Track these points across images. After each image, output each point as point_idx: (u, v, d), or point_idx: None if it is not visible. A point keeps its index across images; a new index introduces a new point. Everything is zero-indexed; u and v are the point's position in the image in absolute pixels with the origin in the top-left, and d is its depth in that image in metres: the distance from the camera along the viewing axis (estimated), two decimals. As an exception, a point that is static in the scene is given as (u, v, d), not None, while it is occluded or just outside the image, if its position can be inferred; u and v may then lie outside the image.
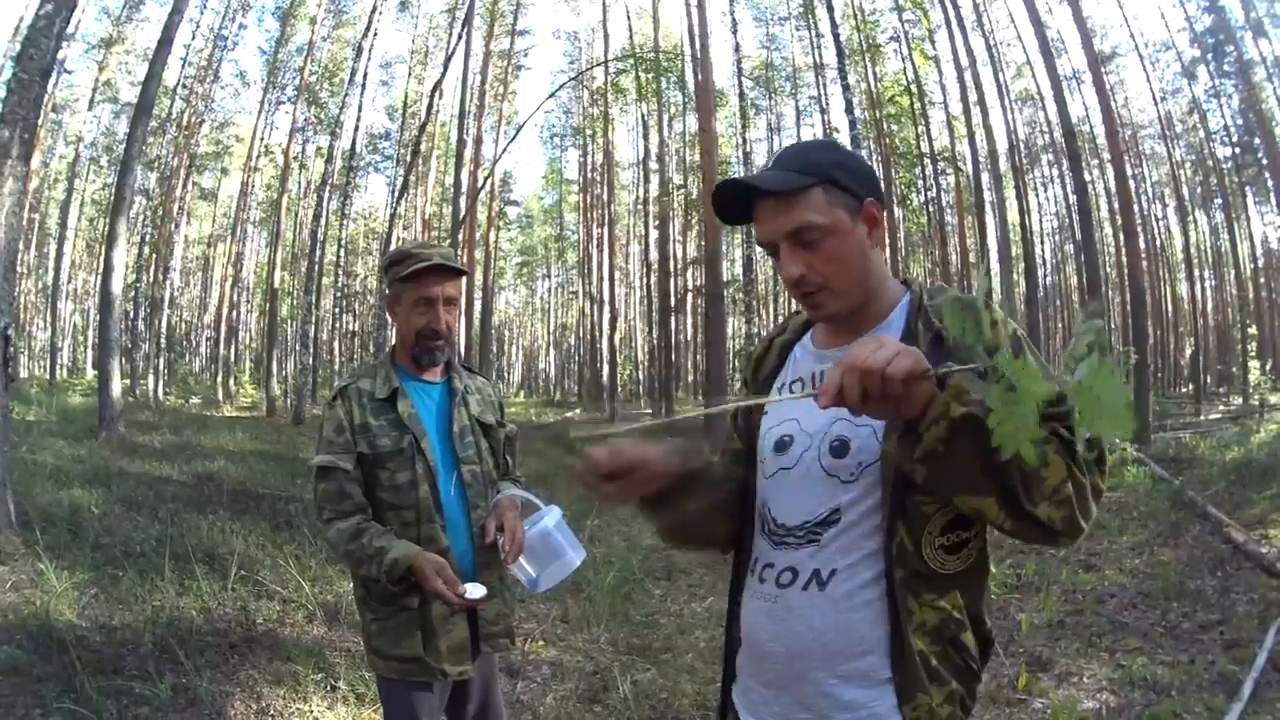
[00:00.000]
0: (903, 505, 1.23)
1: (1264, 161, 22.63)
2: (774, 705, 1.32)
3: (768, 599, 1.33)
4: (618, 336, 31.19)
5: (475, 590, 2.07)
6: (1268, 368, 17.05)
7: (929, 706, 1.22)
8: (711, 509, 1.44)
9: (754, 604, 1.37)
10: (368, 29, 21.90)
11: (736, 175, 1.27)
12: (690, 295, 30.63)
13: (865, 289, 1.32)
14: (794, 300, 1.40)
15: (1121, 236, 16.88)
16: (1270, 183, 22.95)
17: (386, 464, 2.18)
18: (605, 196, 31.17)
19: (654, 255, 29.46)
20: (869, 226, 1.32)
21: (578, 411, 29.05)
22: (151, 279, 25.22)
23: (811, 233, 1.27)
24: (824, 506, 1.30)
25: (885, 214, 1.37)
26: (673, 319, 28.07)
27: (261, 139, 27.93)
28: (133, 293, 20.84)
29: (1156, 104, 26.14)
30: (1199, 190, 28.65)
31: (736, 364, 25.66)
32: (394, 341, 2.38)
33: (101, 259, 14.45)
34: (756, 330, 22.63)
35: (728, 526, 1.48)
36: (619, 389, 29.12)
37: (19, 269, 30.51)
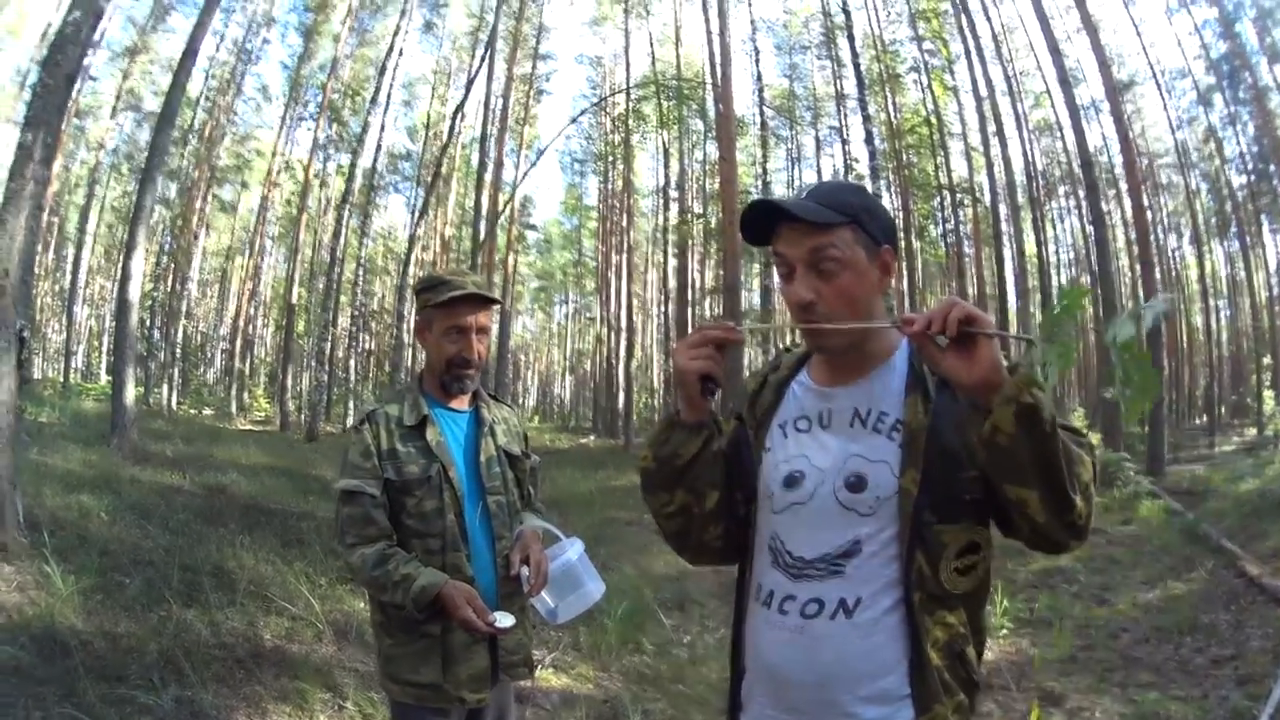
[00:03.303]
0: (921, 535, 1.32)
1: (1279, 189, 22.57)
2: None
3: (791, 630, 1.36)
4: (634, 364, 31.11)
5: (504, 619, 2.07)
6: (1282, 399, 16.90)
7: (943, 717, 1.30)
8: (705, 469, 1.46)
9: (774, 635, 1.40)
10: (391, 48, 22.08)
11: (771, 197, 1.31)
12: (708, 324, 30.54)
13: (863, 330, 1.38)
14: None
15: (1138, 268, 16.80)
16: (1285, 209, 22.92)
17: (414, 491, 2.18)
18: (624, 223, 31.18)
19: (672, 283, 29.50)
20: (881, 271, 1.40)
21: (592, 438, 28.95)
22: (169, 288, 25.40)
23: (831, 263, 1.34)
24: (844, 539, 1.36)
25: (899, 258, 1.47)
26: None
27: (282, 154, 28.16)
28: (149, 301, 20.98)
29: (1173, 132, 26.08)
30: (1214, 219, 28.52)
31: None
32: (423, 367, 2.38)
33: (120, 266, 14.55)
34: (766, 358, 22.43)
35: (714, 508, 1.49)
36: (634, 417, 29.02)
37: (36, 271, 30.86)
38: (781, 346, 1.69)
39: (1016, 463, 1.19)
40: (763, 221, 1.40)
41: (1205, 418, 25.78)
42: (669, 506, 1.51)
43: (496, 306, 2.32)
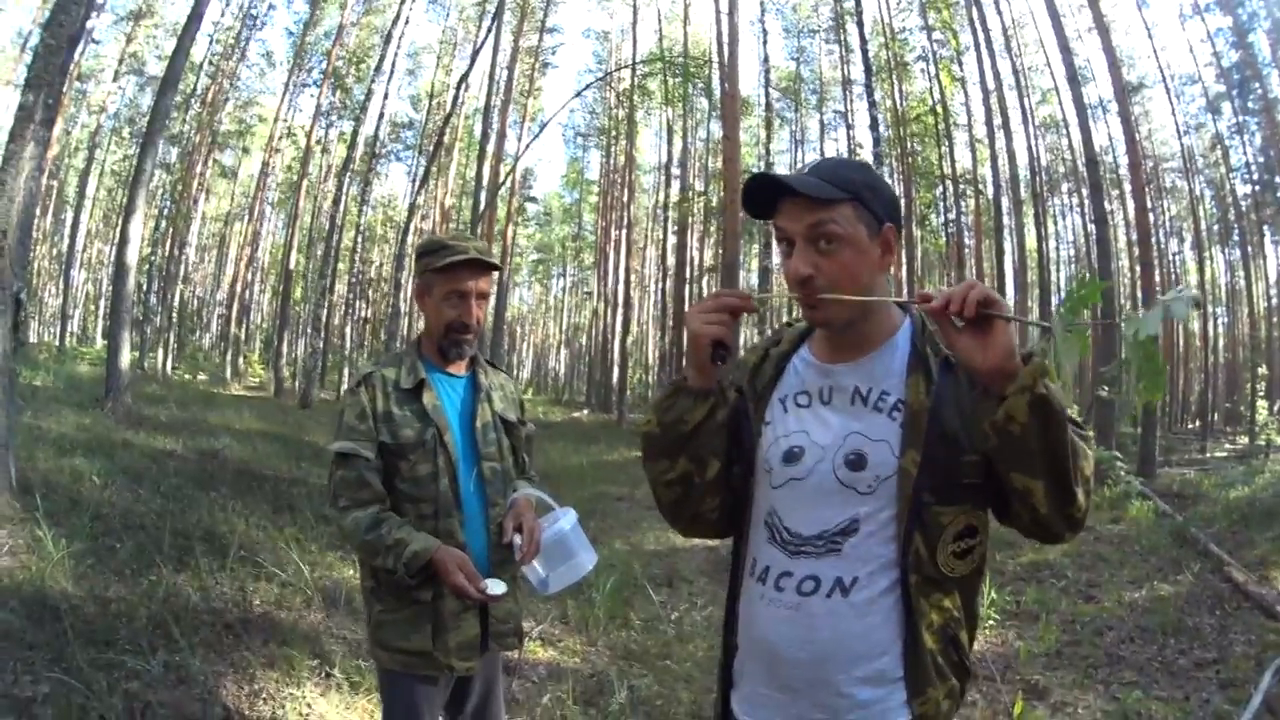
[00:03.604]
0: (920, 515, 1.32)
1: (1283, 200, 22.61)
2: (790, 709, 1.37)
3: (788, 607, 1.36)
4: (630, 340, 31.09)
5: (496, 586, 2.07)
6: (1276, 408, 16.95)
7: (935, 700, 1.32)
8: (710, 437, 1.45)
9: (769, 611, 1.39)
10: (397, 17, 21.92)
11: (775, 173, 1.30)
12: (706, 303, 30.49)
13: (864, 306, 1.37)
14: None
15: (1139, 269, 16.79)
16: (1289, 221, 22.93)
17: (408, 455, 2.16)
18: (625, 199, 31.09)
19: (670, 261, 29.41)
20: (883, 250, 1.38)
21: (586, 412, 28.99)
22: (167, 253, 25.30)
23: (831, 238, 1.33)
24: (843, 517, 1.35)
25: (900, 241, 1.44)
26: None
27: (284, 120, 28.00)
28: (147, 265, 20.91)
29: (1180, 137, 26.06)
30: (1217, 226, 28.52)
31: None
32: (420, 331, 2.36)
33: (118, 229, 14.48)
34: (767, 331, 22.35)
35: (715, 478, 1.48)
36: (628, 392, 29.03)
37: (35, 234, 30.73)
38: (784, 321, 1.68)
39: (1027, 452, 1.20)
40: (764, 195, 1.39)
41: (1198, 423, 25.85)
42: (669, 474, 1.49)
43: (496, 273, 2.30)
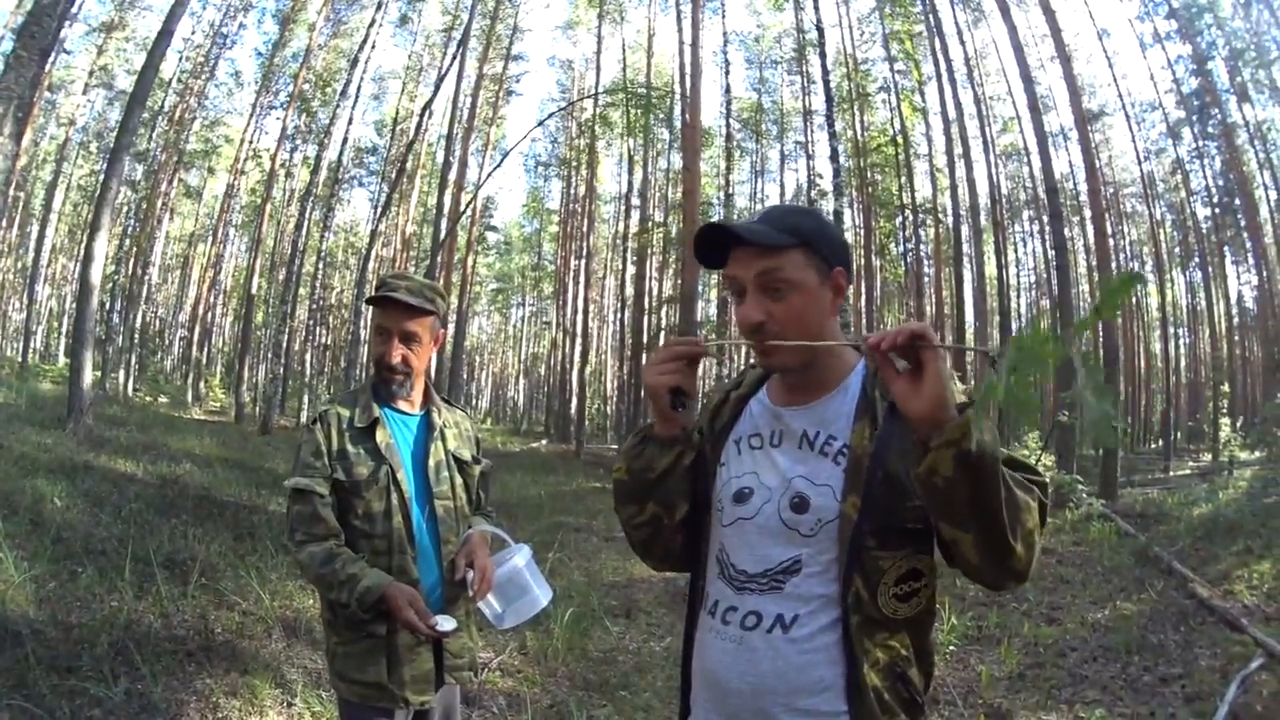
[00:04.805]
0: (860, 560, 1.33)
1: (1242, 222, 23.19)
2: None
3: (732, 640, 1.40)
4: (588, 370, 31.02)
5: (446, 623, 2.10)
6: (1239, 425, 17.29)
7: None
8: (677, 482, 1.50)
9: (716, 644, 1.43)
10: (364, 41, 21.86)
11: (721, 219, 1.37)
12: (664, 333, 30.49)
13: (814, 351, 1.39)
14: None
15: (1098, 294, 17.08)
16: (1248, 243, 23.48)
17: (362, 492, 2.19)
18: (585, 229, 31.10)
19: (629, 291, 29.45)
20: (833, 293, 1.42)
21: (544, 442, 28.86)
22: (130, 272, 24.94)
23: (781, 284, 1.36)
24: (785, 556, 1.39)
25: (850, 281, 1.46)
26: (644, 356, 28.04)
27: (250, 142, 27.81)
28: (110, 284, 20.60)
29: (1140, 163, 26.59)
30: (1177, 249, 29.11)
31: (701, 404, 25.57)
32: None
33: (83, 246, 14.28)
34: (728, 372, 22.50)
35: (683, 519, 1.53)
36: (587, 423, 28.95)
37: (1, 247, 30.24)
38: (749, 364, 1.70)
39: (951, 505, 1.18)
40: (716, 244, 1.42)
41: (1161, 442, 26.29)
42: (639, 517, 1.54)
43: (430, 317, 2.29)
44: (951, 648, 5.40)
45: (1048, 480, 1.37)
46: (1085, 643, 5.55)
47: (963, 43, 23.02)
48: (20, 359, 25.15)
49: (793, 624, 1.36)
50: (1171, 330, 30.21)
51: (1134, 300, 29.46)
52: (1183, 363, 33.23)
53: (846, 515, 1.34)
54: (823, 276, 1.39)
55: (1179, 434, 27.55)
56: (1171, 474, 18.15)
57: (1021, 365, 0.98)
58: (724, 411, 1.60)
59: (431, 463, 2.30)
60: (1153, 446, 28.76)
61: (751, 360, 1.60)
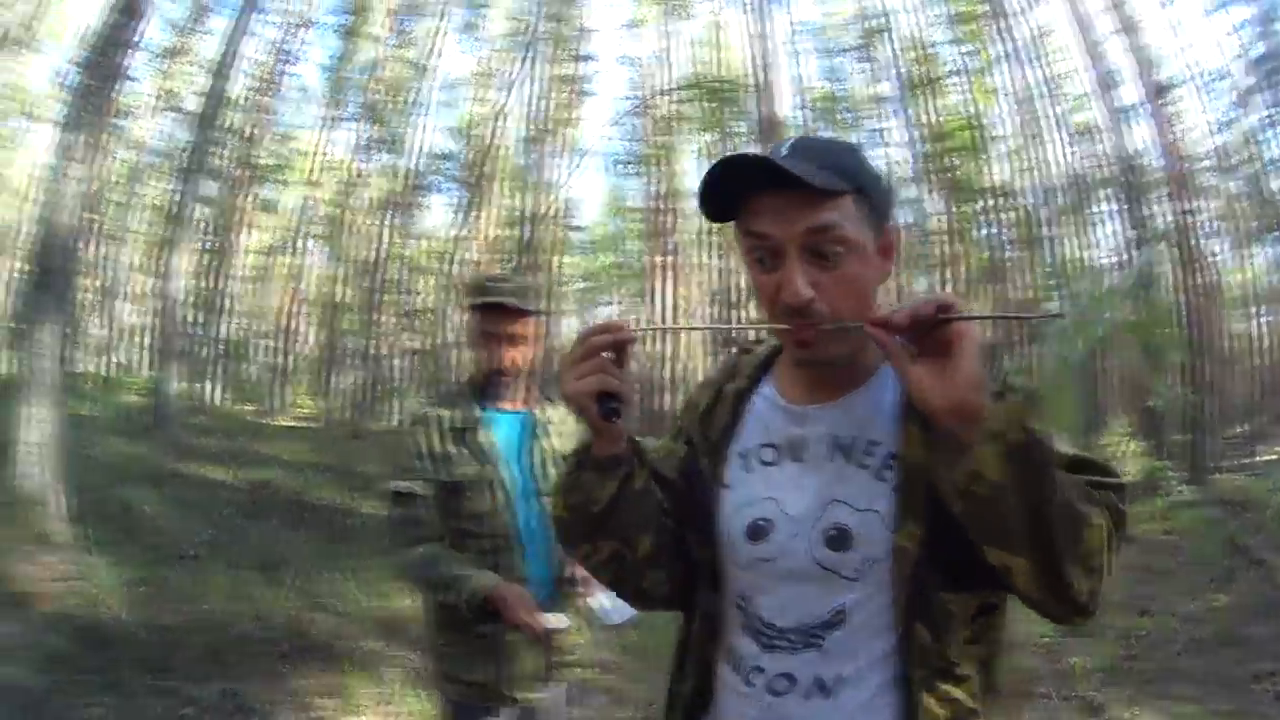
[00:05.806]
0: (924, 605, 1.00)
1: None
2: None
3: (759, 706, 1.07)
4: (678, 366, 31.10)
5: (557, 621, 2.09)
6: (1329, 407, 16.54)
7: None
8: (630, 512, 1.11)
9: (739, 705, 1.10)
10: (431, 50, 22.16)
11: (749, 152, 1.00)
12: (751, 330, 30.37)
13: (864, 336, 0.99)
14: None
15: (1180, 273, 16.52)
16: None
17: (464, 493, 2.19)
18: (670, 225, 31.19)
19: (717, 285, 29.37)
20: (883, 258, 1.07)
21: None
22: (211, 285, 25.69)
23: (837, 244, 0.99)
24: (824, 608, 1.05)
25: (900, 241, 1.13)
26: (731, 350, 27.89)
27: (323, 154, 28.44)
28: (192, 297, 21.24)
29: (1212, 135, 25.64)
30: (1255, 224, 27.95)
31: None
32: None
33: (162, 263, 14.77)
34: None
35: (650, 554, 1.15)
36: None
37: (79, 267, 31.34)
38: (736, 349, 1.31)
39: (1003, 521, 0.90)
40: (732, 188, 1.03)
41: (1247, 426, 25.28)
42: (595, 558, 1.16)
43: (533, 317, 2.29)
44: (1045, 639, 5.27)
45: (1124, 480, 1.05)
46: (1177, 635, 5.37)
47: (1025, 20, 22.52)
48: (104, 373, 26.08)
49: (836, 686, 1.03)
50: (1254, 308, 29.06)
51: (1215, 278, 28.44)
52: (1266, 342, 31.93)
53: (903, 550, 1.00)
54: (876, 234, 1.04)
55: (1265, 416, 26.46)
56: (1259, 459, 17.47)
57: (1087, 326, 0.85)
58: (718, 414, 1.20)
59: (535, 460, 2.30)
60: (1239, 430, 27.68)
61: (736, 346, 1.25)
